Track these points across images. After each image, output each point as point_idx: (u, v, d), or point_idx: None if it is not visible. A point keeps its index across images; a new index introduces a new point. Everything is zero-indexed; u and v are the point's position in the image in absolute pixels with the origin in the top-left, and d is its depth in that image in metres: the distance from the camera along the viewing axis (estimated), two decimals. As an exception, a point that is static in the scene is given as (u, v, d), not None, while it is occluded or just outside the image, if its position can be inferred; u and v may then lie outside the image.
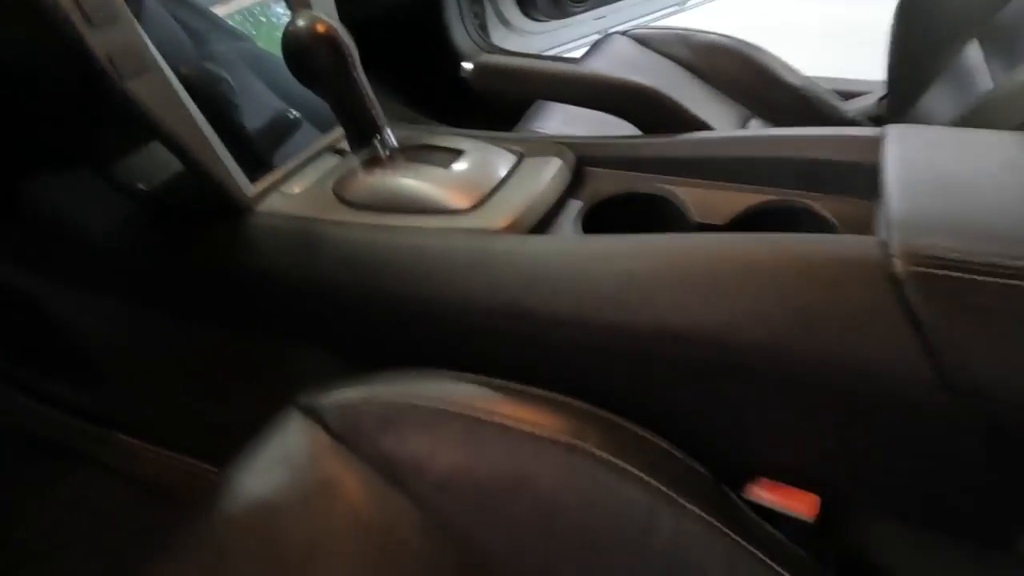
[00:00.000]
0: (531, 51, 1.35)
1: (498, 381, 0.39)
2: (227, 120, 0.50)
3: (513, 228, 0.41)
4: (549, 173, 0.46)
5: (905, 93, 0.76)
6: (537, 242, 0.40)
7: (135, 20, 0.42)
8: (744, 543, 0.32)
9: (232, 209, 0.49)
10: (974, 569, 0.34)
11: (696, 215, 0.43)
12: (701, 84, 0.86)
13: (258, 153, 0.52)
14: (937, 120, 0.68)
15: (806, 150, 0.40)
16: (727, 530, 0.33)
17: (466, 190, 0.45)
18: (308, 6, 0.51)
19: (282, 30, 0.44)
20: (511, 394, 0.38)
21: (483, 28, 1.30)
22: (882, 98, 0.83)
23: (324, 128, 0.57)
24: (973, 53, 0.65)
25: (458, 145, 0.49)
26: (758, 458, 0.37)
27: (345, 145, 0.57)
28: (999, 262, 0.26)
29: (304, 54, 0.44)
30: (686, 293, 0.34)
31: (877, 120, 0.83)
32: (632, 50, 0.88)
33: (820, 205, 0.39)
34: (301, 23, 0.43)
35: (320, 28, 0.43)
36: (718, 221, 0.42)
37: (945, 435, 0.29)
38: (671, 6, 1.64)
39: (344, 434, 0.38)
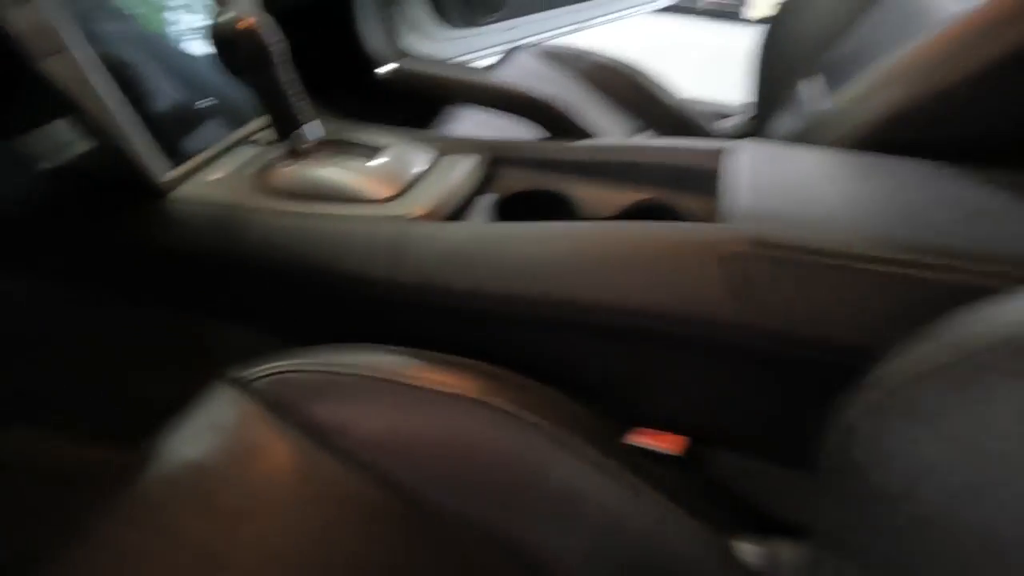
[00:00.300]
0: (440, 57, 1.41)
1: (418, 351, 0.44)
2: (144, 105, 0.51)
3: (431, 216, 0.47)
4: (464, 169, 0.51)
5: (763, 116, 0.90)
6: (454, 227, 0.46)
7: None
8: (631, 475, 0.40)
9: (149, 192, 0.50)
10: (785, 486, 0.44)
11: (589, 209, 0.51)
12: (597, 98, 0.96)
13: (174, 139, 0.54)
14: (777, 138, 0.82)
15: (674, 158, 0.49)
16: (615, 464, 0.40)
17: (386, 181, 0.49)
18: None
19: (163, 12, 0.46)
20: (430, 360, 0.43)
21: (393, 32, 1.33)
22: (751, 118, 0.97)
23: (238, 116, 0.59)
24: (808, 85, 0.80)
25: (379, 141, 0.53)
26: (637, 410, 0.45)
27: (264, 135, 0.59)
28: (814, 245, 0.36)
29: (230, 47, 0.46)
30: (578, 270, 0.41)
31: (741, 137, 0.98)
32: (537, 64, 0.96)
33: (684, 202, 0.48)
34: (226, 17, 0.46)
35: (245, 22, 0.46)
36: (606, 215, 0.50)
37: (767, 374, 0.38)
38: (577, 23, 1.76)
39: (273, 403, 0.41)
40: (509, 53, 0.98)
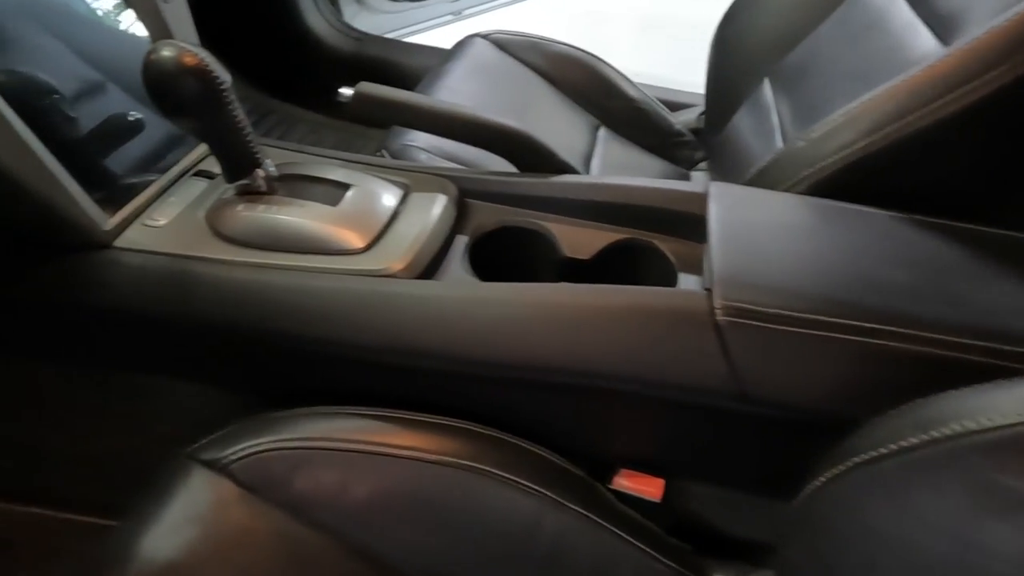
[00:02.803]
0: (383, 30, 1.32)
1: (398, 413, 0.43)
2: (61, 137, 0.44)
3: (409, 269, 0.45)
4: (437, 209, 0.49)
5: (718, 113, 0.90)
6: (434, 287, 0.44)
7: None
8: (613, 528, 0.41)
9: (86, 243, 0.45)
10: (766, 515, 0.47)
11: (565, 249, 0.50)
12: (554, 91, 0.93)
13: (108, 179, 0.48)
14: (741, 139, 0.83)
15: (652, 199, 0.49)
16: (599, 519, 0.41)
17: (358, 229, 0.46)
18: (166, 27, 0.47)
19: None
20: (410, 426, 0.43)
21: (335, 4, 1.24)
22: (701, 114, 0.97)
23: (176, 143, 0.53)
24: (766, 89, 0.81)
25: (342, 177, 0.50)
26: (618, 454, 0.46)
27: (209, 165, 0.54)
28: (784, 313, 0.37)
29: (170, 86, 0.41)
30: (557, 333, 0.41)
31: (696, 132, 0.98)
32: (492, 54, 0.92)
33: (663, 245, 0.49)
34: (166, 53, 0.40)
35: (188, 59, 0.40)
36: (583, 256, 0.50)
37: (748, 429, 0.40)
38: (520, -9, 1.69)
39: (253, 484, 0.39)
40: (462, 42, 0.93)
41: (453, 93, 0.82)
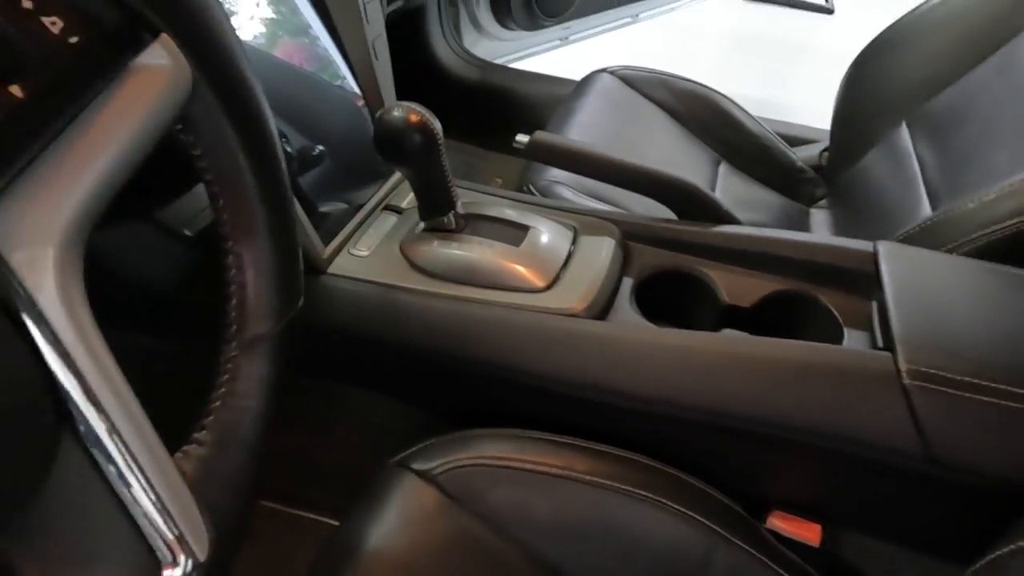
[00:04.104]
0: (500, 55, 1.39)
1: (583, 442, 0.47)
2: (296, 173, 0.52)
3: (588, 309, 0.49)
4: (606, 252, 0.53)
5: (844, 152, 0.90)
6: (612, 328, 0.48)
7: None
8: (779, 569, 0.44)
9: (311, 268, 0.52)
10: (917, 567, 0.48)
11: (726, 296, 0.53)
12: (678, 127, 0.96)
13: (323, 209, 0.55)
14: (873, 182, 0.83)
15: (815, 253, 0.51)
16: (767, 559, 0.44)
17: (539, 269, 0.51)
18: (376, 83, 0.54)
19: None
20: (592, 454, 0.47)
21: (457, 30, 1.31)
22: (824, 151, 0.97)
23: (372, 178, 0.59)
24: (904, 133, 0.80)
25: (518, 218, 0.55)
26: (773, 494, 0.49)
27: (395, 200, 0.61)
28: (974, 382, 0.38)
29: (399, 139, 0.47)
30: (734, 379, 0.44)
31: (818, 169, 0.98)
32: (618, 89, 0.96)
33: (825, 298, 0.51)
34: (397, 113, 0.47)
35: (414, 117, 0.47)
36: (744, 304, 0.52)
37: (925, 490, 0.42)
38: (625, 18, 1.72)
39: (456, 495, 0.44)
40: (589, 77, 0.97)
41: (585, 128, 0.87)
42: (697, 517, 0.44)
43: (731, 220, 0.56)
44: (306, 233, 0.50)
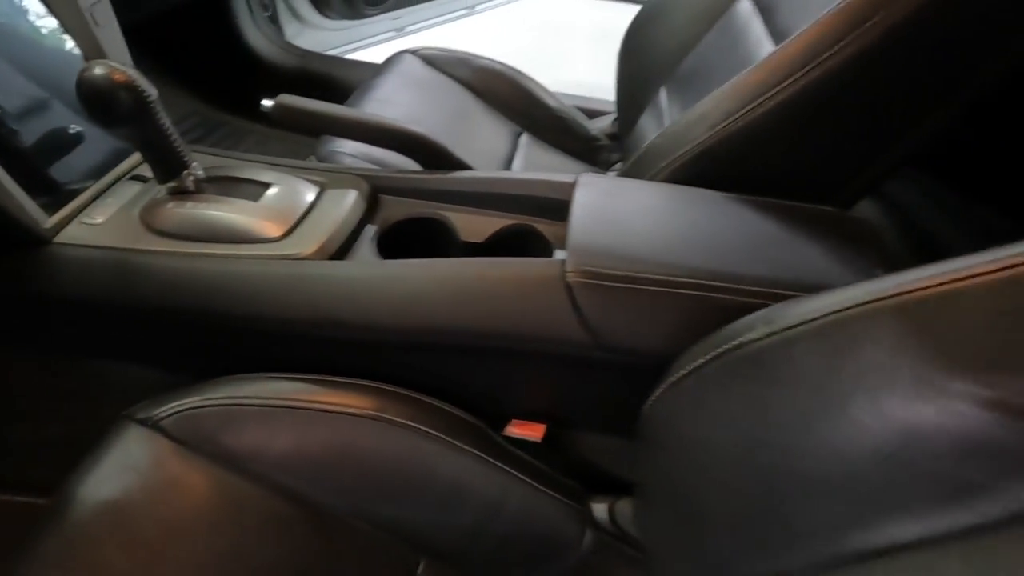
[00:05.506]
0: (327, 47, 1.40)
1: (315, 376, 0.50)
2: (4, 143, 0.50)
3: (320, 253, 0.52)
4: (348, 202, 0.57)
5: (627, 118, 1.00)
6: (346, 267, 0.52)
7: None
8: (504, 466, 0.49)
9: (27, 240, 0.51)
10: (623, 452, 0.54)
11: (463, 235, 0.58)
12: (479, 102, 1.02)
13: (50, 179, 0.54)
14: (644, 141, 0.92)
15: (533, 189, 0.57)
16: (491, 459, 0.49)
17: (275, 220, 0.53)
18: (101, 49, 0.54)
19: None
20: (327, 385, 0.50)
21: (275, 22, 1.31)
22: (615, 119, 1.07)
23: (113, 150, 0.59)
24: (663, 95, 0.91)
25: (264, 177, 0.57)
26: (511, 409, 0.54)
27: (143, 171, 0.60)
28: (624, 274, 0.45)
29: (104, 101, 0.47)
30: (449, 302, 0.48)
31: (612, 136, 1.08)
32: (420, 69, 1.00)
33: (543, 227, 0.57)
34: (98, 71, 0.47)
35: (118, 75, 0.47)
36: (478, 240, 0.57)
37: (602, 377, 0.48)
38: (461, 9, 1.78)
39: (184, 438, 0.45)
40: (392, 58, 1.01)
41: (382, 104, 0.90)
42: (424, 428, 0.48)
43: (465, 167, 0.61)
44: (16, 203, 0.49)
